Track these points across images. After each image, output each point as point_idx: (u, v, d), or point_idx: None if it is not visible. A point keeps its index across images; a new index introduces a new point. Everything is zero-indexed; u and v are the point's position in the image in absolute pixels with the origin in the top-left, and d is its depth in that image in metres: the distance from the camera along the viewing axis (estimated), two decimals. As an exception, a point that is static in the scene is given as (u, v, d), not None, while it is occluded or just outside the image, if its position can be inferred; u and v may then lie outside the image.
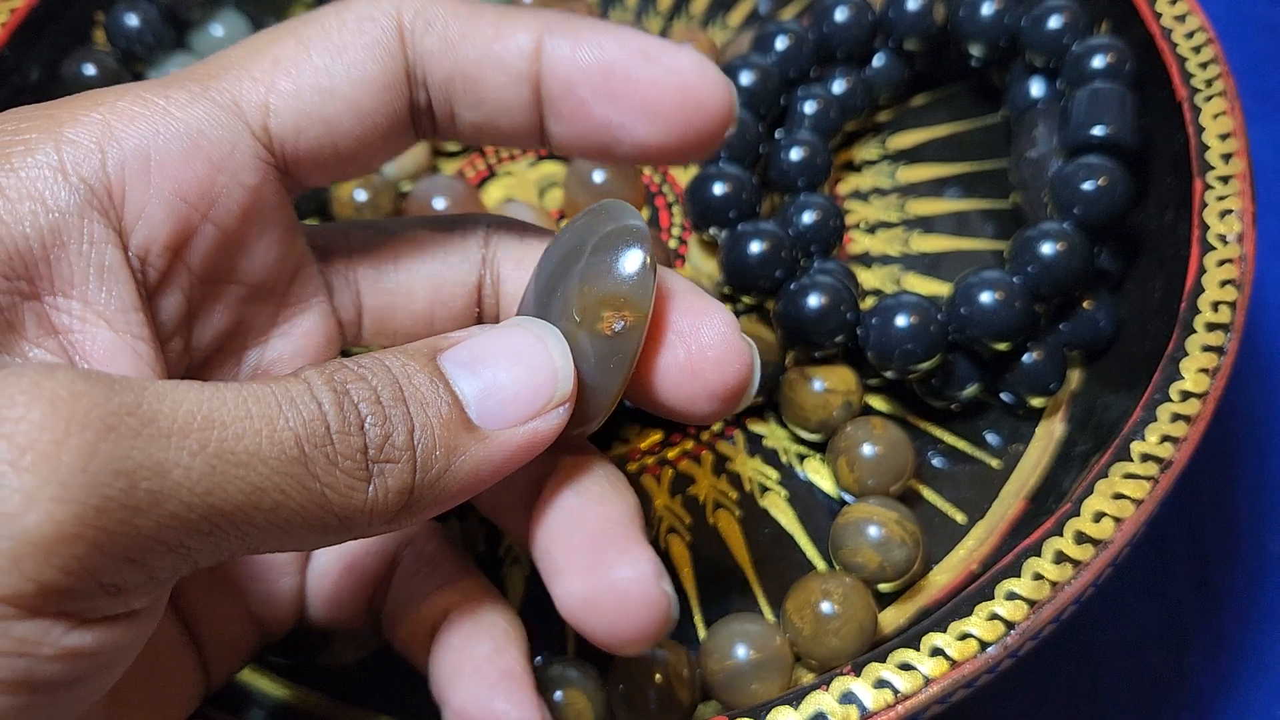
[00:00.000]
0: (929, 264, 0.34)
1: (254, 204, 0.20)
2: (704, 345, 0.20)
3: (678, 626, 0.28)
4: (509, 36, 0.20)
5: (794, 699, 0.22)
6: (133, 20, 0.37)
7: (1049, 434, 0.30)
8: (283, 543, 0.17)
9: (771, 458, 0.31)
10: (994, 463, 0.30)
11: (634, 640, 0.20)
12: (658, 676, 0.25)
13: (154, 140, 0.19)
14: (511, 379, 0.19)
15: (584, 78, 0.20)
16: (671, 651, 0.26)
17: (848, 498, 0.29)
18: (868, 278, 0.34)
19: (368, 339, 0.24)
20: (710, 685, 0.26)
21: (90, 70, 0.37)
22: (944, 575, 0.28)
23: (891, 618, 0.28)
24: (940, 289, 0.33)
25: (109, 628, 0.16)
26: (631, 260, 0.20)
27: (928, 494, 0.30)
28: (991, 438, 0.31)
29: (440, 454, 0.18)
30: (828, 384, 0.29)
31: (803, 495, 0.30)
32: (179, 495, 0.15)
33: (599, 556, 0.20)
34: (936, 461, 0.30)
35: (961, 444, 0.31)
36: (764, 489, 0.30)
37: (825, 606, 0.26)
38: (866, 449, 0.28)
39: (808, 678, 0.26)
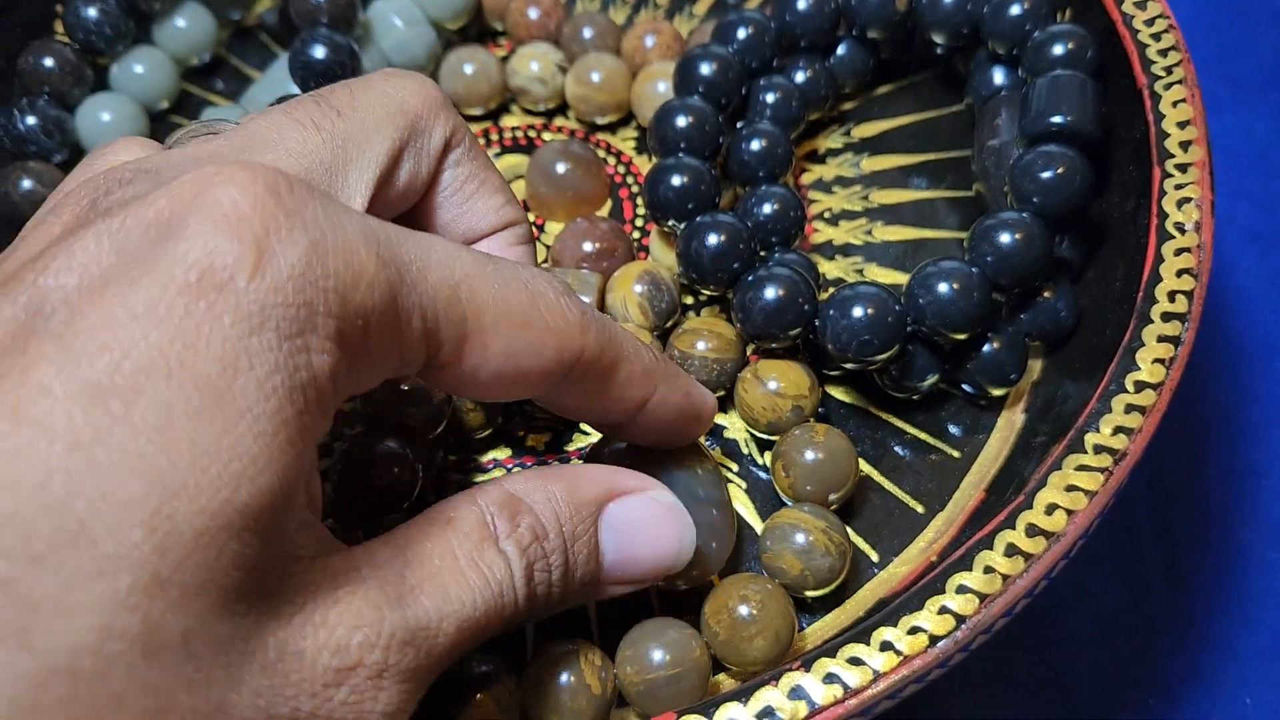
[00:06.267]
0: (893, 254, 0.34)
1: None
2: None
3: (632, 615, 0.28)
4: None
5: (743, 694, 0.22)
6: (91, 12, 0.36)
7: (1010, 424, 0.30)
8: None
9: (732, 448, 0.31)
10: (955, 453, 0.30)
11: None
12: (570, 676, 0.25)
13: None
14: (646, 558, 0.24)
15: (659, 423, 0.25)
16: (584, 651, 0.25)
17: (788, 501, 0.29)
18: (830, 269, 0.33)
19: None
20: (625, 691, 0.25)
21: (49, 63, 0.36)
22: (904, 567, 0.28)
23: (851, 610, 0.28)
24: (903, 279, 0.33)
25: None
26: None
27: (888, 485, 0.30)
28: (953, 428, 0.31)
29: (568, 600, 0.23)
30: (780, 385, 0.29)
31: (761, 488, 0.30)
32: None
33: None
34: (898, 451, 0.30)
35: (923, 435, 0.30)
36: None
37: (742, 610, 0.25)
38: (806, 455, 0.28)
39: (729, 685, 0.26)
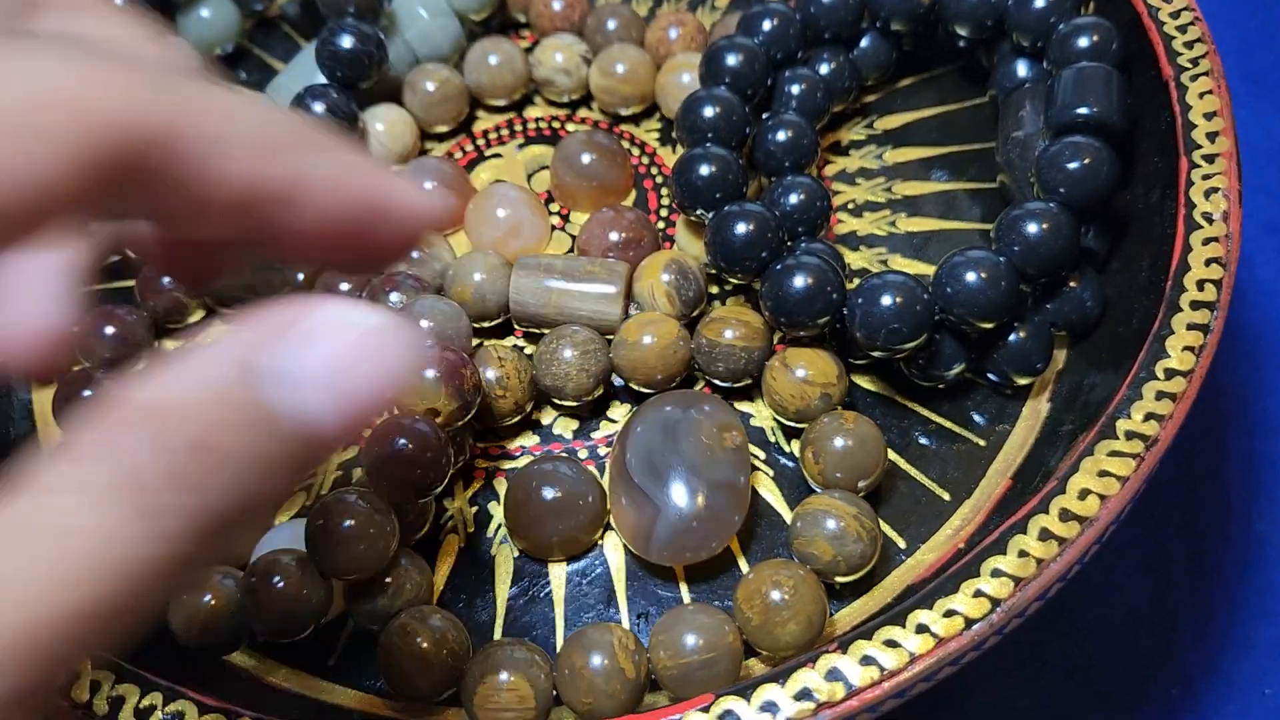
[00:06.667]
0: (916, 245, 0.34)
1: None
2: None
3: (662, 599, 0.28)
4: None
5: (780, 676, 0.22)
6: (116, 2, 0.37)
7: (1035, 413, 0.30)
8: None
9: (759, 436, 0.31)
10: (980, 441, 0.30)
11: None
12: (604, 660, 0.25)
13: None
14: (367, 393, 0.16)
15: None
16: (617, 635, 0.26)
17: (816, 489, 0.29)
18: (854, 259, 0.34)
19: None
20: (659, 676, 0.26)
21: (75, 53, 0.36)
22: (931, 554, 0.29)
23: (879, 596, 0.28)
24: (927, 270, 0.33)
25: None
26: (726, 406, 0.29)
27: (914, 473, 0.30)
28: (978, 417, 0.31)
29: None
30: (809, 373, 0.29)
31: (789, 476, 0.30)
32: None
33: None
34: (923, 440, 0.30)
35: (948, 423, 0.31)
36: (751, 468, 0.30)
37: (775, 596, 0.26)
38: (836, 442, 0.28)
39: (760, 670, 0.26)
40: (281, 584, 0.26)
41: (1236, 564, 0.37)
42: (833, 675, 0.22)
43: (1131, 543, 0.37)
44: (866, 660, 0.23)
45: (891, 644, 0.23)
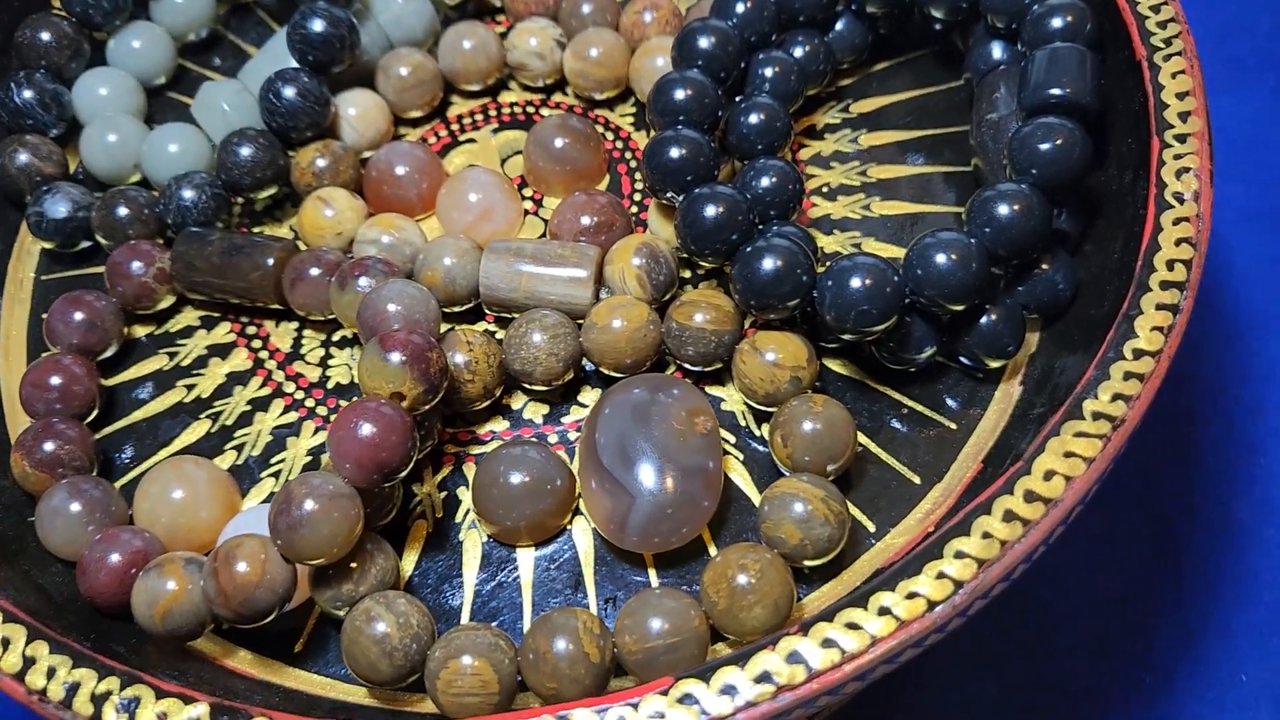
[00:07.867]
0: (890, 229, 0.34)
1: None
2: None
3: (631, 584, 0.28)
4: None
5: (740, 659, 0.22)
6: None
7: (1007, 396, 0.30)
8: None
9: (730, 420, 0.31)
10: (952, 425, 0.30)
11: None
12: (569, 645, 0.25)
13: None
14: None
15: None
16: (582, 619, 0.25)
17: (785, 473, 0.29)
18: (828, 243, 0.33)
19: None
20: (624, 660, 0.25)
21: (46, 36, 0.36)
22: (901, 538, 0.28)
23: (848, 581, 0.28)
24: (901, 254, 0.33)
25: None
26: (696, 391, 0.29)
27: (885, 457, 0.30)
28: (950, 401, 0.31)
29: None
30: (778, 356, 0.29)
31: (759, 460, 0.30)
32: None
33: None
34: (895, 424, 0.30)
35: (920, 407, 0.30)
36: (722, 453, 0.30)
37: (741, 579, 0.25)
38: (805, 425, 0.28)
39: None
40: (245, 569, 0.26)
41: (1214, 550, 0.37)
42: (793, 658, 0.22)
43: (1102, 529, 0.36)
44: (827, 643, 0.22)
45: (853, 626, 0.23)
